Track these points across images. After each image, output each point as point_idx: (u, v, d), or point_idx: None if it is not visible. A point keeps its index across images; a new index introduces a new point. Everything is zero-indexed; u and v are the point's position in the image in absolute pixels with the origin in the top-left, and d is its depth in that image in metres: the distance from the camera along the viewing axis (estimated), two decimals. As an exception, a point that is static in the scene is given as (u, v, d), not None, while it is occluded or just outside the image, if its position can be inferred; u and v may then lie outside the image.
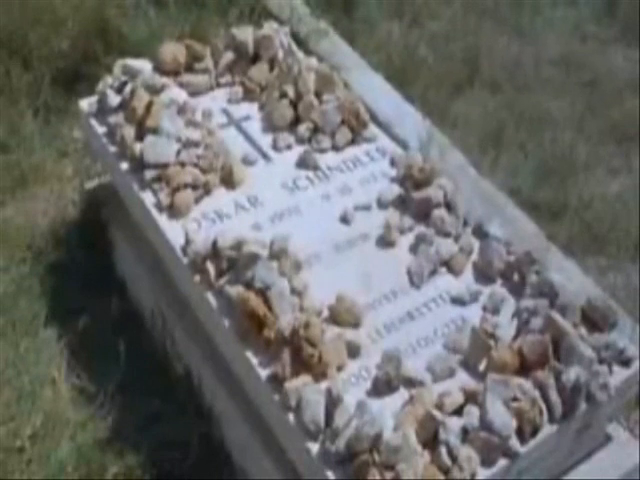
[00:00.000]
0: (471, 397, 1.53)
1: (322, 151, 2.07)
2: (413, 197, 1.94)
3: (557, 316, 1.63)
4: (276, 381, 1.59)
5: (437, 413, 1.49)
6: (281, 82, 2.15)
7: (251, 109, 2.18)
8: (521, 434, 1.50)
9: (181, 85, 2.16)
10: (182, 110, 2.04)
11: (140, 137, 1.99)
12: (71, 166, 2.59)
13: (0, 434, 1.91)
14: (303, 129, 2.08)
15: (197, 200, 1.94)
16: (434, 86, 2.88)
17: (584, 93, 2.96)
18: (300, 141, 2.09)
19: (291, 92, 2.12)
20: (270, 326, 1.63)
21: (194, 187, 1.93)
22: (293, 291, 1.70)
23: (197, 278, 1.78)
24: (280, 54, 2.22)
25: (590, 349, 1.59)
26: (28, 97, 2.71)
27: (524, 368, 1.57)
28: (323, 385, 1.56)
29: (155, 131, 1.98)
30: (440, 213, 1.89)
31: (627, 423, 1.86)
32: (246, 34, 2.23)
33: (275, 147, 2.08)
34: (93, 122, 2.12)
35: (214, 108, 2.15)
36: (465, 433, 1.48)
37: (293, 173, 2.03)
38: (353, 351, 1.64)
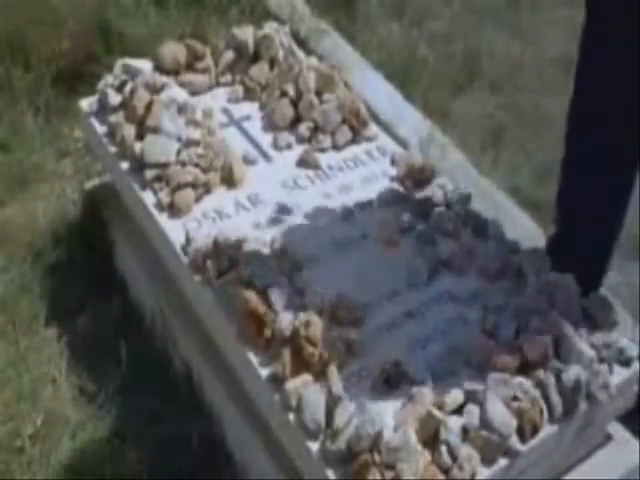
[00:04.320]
0: (471, 396, 1.53)
1: (322, 150, 2.07)
2: (413, 196, 1.94)
3: (557, 315, 1.62)
4: (276, 381, 1.59)
5: (437, 412, 1.49)
6: (281, 81, 2.15)
7: (251, 108, 2.18)
8: (521, 433, 1.50)
9: (181, 84, 2.16)
10: (182, 109, 2.03)
11: (140, 136, 1.99)
12: (71, 166, 2.59)
13: (0, 434, 1.91)
14: (303, 128, 2.08)
15: (197, 199, 1.94)
16: (434, 86, 2.88)
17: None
18: (300, 140, 2.09)
19: (291, 91, 2.12)
20: (270, 325, 1.63)
21: (194, 186, 1.93)
22: (293, 290, 1.70)
23: (197, 277, 1.78)
24: (280, 53, 2.22)
25: (590, 348, 1.59)
26: (28, 97, 2.71)
27: (524, 367, 1.57)
28: (323, 384, 1.56)
29: (155, 130, 1.98)
30: (440, 212, 1.89)
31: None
32: (246, 33, 2.23)
33: (275, 146, 2.08)
34: (93, 122, 2.12)
35: (214, 107, 2.15)
36: (465, 432, 1.48)
37: (293, 172, 2.03)
38: (353, 350, 1.64)
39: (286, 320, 1.62)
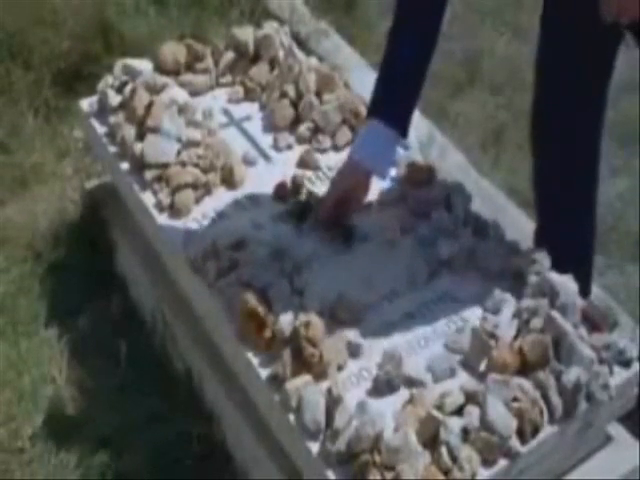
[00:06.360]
0: (471, 397, 1.53)
1: (323, 151, 2.07)
2: (413, 197, 1.93)
3: (557, 316, 1.62)
4: (276, 381, 1.59)
5: (437, 413, 1.49)
6: (282, 82, 2.15)
7: (252, 109, 2.18)
8: (521, 434, 1.50)
9: (181, 85, 2.16)
10: (182, 110, 2.04)
11: (140, 137, 1.99)
12: (71, 166, 2.59)
13: (0, 434, 1.91)
14: (303, 129, 2.08)
15: (197, 200, 1.94)
16: (434, 86, 2.88)
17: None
18: (300, 141, 2.09)
19: (292, 92, 2.12)
20: (270, 326, 1.63)
21: (194, 187, 1.93)
22: (293, 291, 1.70)
23: (197, 278, 1.78)
24: (281, 54, 2.22)
25: (590, 349, 1.59)
26: (29, 97, 2.71)
27: (524, 368, 1.57)
28: (323, 385, 1.56)
29: (155, 131, 1.98)
30: (440, 213, 1.89)
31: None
32: (246, 34, 2.23)
33: (276, 147, 2.08)
34: (93, 122, 2.12)
35: (215, 108, 2.15)
36: (465, 433, 1.48)
37: (294, 173, 2.03)
38: (353, 351, 1.64)
39: (286, 320, 1.62)
